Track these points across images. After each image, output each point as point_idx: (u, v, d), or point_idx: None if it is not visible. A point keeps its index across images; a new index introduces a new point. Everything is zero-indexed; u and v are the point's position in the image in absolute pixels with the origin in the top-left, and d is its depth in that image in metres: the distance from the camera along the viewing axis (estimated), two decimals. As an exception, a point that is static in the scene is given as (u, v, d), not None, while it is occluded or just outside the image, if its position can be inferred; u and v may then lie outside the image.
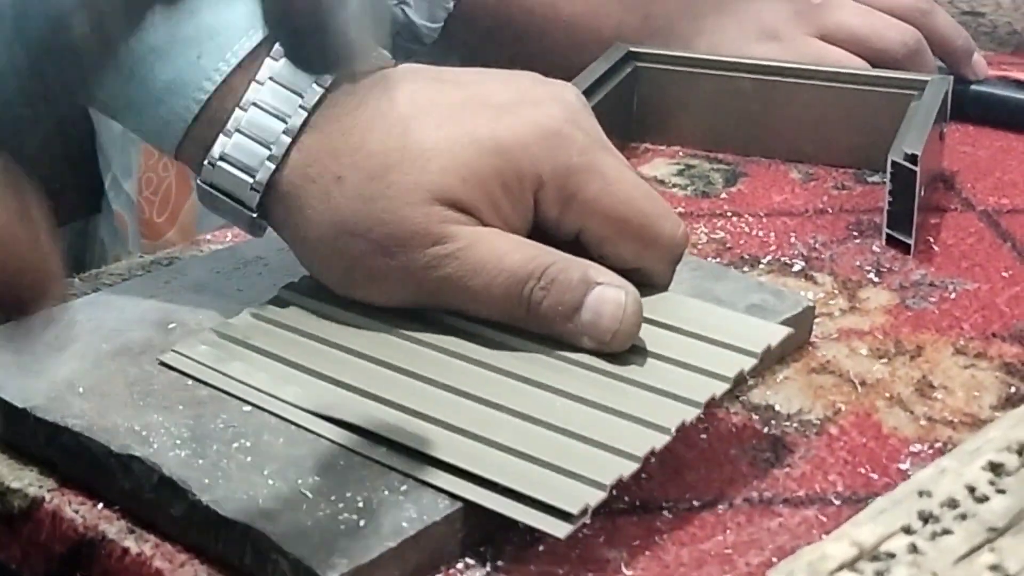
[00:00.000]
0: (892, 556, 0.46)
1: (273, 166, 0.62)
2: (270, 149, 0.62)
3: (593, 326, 0.60)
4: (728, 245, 0.77)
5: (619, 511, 0.56)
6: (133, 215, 1.11)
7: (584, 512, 0.51)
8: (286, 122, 0.62)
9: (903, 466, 0.59)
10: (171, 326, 0.62)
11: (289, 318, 0.62)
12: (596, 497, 0.52)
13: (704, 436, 0.61)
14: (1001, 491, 0.49)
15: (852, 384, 0.65)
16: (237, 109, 0.62)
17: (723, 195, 0.83)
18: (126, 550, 0.53)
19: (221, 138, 0.62)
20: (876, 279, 0.74)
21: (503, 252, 0.60)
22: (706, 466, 0.59)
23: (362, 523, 0.51)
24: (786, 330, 0.60)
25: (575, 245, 0.63)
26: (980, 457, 0.50)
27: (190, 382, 0.58)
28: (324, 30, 0.47)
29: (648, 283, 0.62)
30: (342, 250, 0.61)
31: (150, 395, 0.57)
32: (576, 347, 0.59)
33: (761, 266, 0.75)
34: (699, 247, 0.76)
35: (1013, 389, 0.64)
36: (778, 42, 0.92)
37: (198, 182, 0.63)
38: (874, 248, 0.77)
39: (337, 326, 0.61)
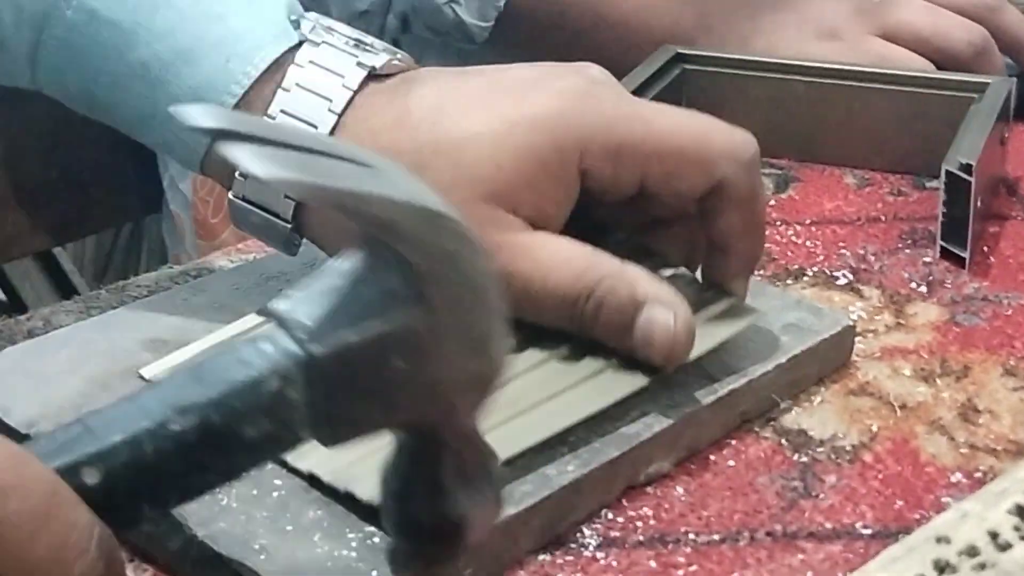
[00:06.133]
0: (901, 610, 0.44)
1: None
2: None
3: (645, 348, 0.58)
4: (773, 256, 0.74)
5: (636, 544, 0.54)
6: (189, 215, 1.10)
7: None
8: (316, 127, 0.60)
9: (940, 497, 0.56)
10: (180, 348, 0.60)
11: None
12: None
13: (732, 463, 0.58)
14: (1026, 538, 0.46)
15: (891, 407, 0.62)
16: (265, 117, 0.61)
17: (772, 202, 0.80)
18: (123, 580, 0.52)
19: None
20: (926, 293, 0.71)
21: (548, 270, 0.59)
22: (731, 495, 0.57)
23: (359, 563, 0.49)
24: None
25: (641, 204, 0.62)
26: (1006, 499, 0.47)
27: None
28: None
29: (736, 197, 0.60)
30: None
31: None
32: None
33: (806, 279, 0.72)
34: (743, 258, 0.74)
35: (1063, 414, 0.61)
36: (839, 41, 0.89)
37: (229, 196, 0.62)
38: (926, 259, 0.74)
39: None
